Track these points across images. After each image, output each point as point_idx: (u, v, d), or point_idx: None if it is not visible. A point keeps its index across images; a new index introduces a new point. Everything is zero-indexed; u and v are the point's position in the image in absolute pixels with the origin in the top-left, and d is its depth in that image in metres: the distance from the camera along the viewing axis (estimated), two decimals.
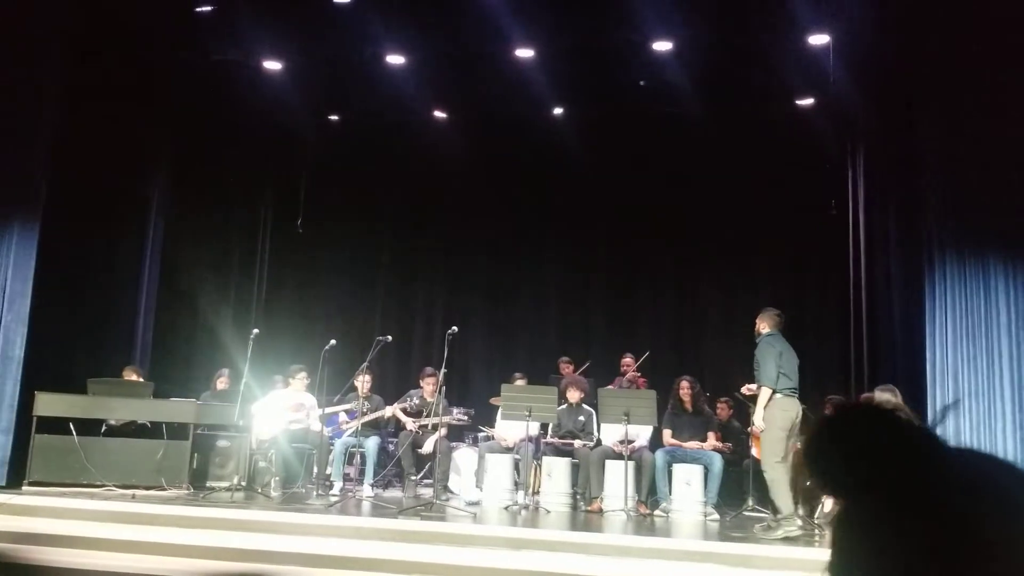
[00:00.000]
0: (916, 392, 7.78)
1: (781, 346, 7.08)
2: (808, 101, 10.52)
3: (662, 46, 9.35)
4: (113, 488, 7.90)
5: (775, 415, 6.86)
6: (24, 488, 7.74)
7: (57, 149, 8.39)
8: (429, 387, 9.16)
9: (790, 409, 6.91)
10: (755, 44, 9.40)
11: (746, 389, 7.62)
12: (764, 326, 7.31)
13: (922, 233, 7.76)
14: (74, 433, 8.10)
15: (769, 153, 11.45)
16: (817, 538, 6.67)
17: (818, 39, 9.09)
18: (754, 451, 8.98)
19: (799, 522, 6.74)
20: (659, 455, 8.43)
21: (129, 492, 7.77)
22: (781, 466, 6.83)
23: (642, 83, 10.59)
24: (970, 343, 7.21)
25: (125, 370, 9.24)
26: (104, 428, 8.71)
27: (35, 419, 7.98)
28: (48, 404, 8.09)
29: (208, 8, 9.23)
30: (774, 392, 6.92)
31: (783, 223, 11.77)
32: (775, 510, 6.94)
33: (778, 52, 9.48)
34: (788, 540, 6.50)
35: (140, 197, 10.09)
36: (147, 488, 8.00)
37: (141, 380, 9.19)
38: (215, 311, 11.51)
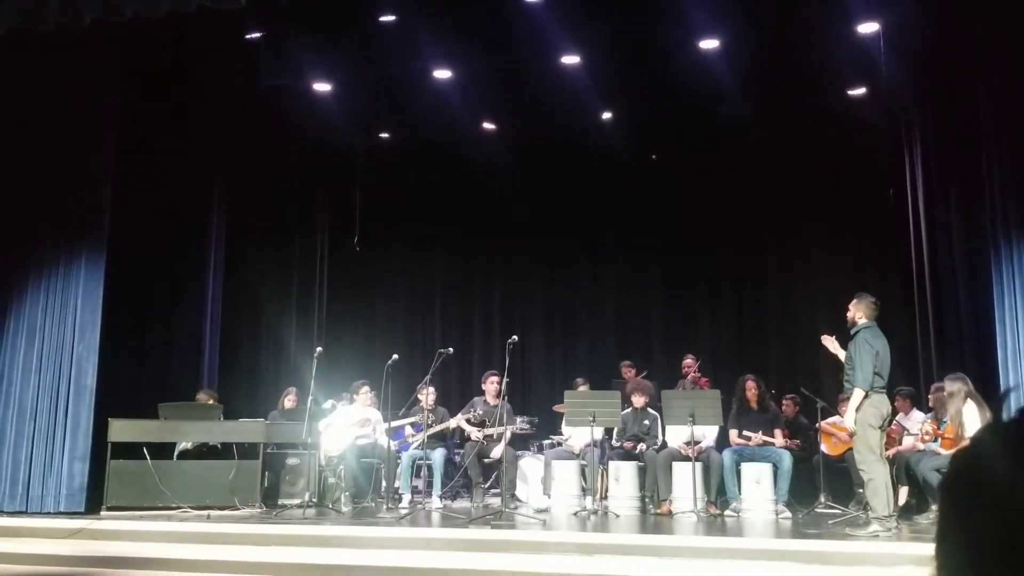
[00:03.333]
0: (987, 380, 7.61)
1: (878, 344, 6.76)
2: (860, 90, 10.37)
3: (709, 44, 9.29)
4: (188, 509, 8.04)
5: (867, 413, 6.63)
6: (103, 513, 7.91)
7: (119, 181, 8.60)
8: (492, 388, 9.14)
9: (881, 405, 6.70)
10: (803, 36, 9.29)
11: (826, 340, 7.33)
12: (860, 315, 6.93)
13: (986, 216, 7.59)
14: (148, 457, 8.26)
15: (823, 145, 11.33)
16: (895, 535, 6.51)
17: (867, 27, 8.97)
18: (823, 447, 8.86)
19: (893, 524, 6.52)
20: (727, 455, 8.34)
21: (204, 512, 7.90)
22: (879, 464, 6.63)
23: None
24: None
25: (199, 395, 9.43)
26: (177, 451, 8.90)
27: (110, 445, 8.15)
28: (122, 430, 8.26)
29: (258, 35, 9.42)
30: (867, 393, 6.71)
31: (841, 214, 11.62)
32: (868, 507, 6.78)
33: (827, 43, 9.37)
34: (873, 539, 6.32)
35: (200, 222, 10.28)
36: (221, 508, 8.13)
37: (213, 403, 9.35)
38: (279, 331, 11.69)
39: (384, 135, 12.29)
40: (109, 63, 8.64)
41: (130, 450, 8.28)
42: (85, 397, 8.16)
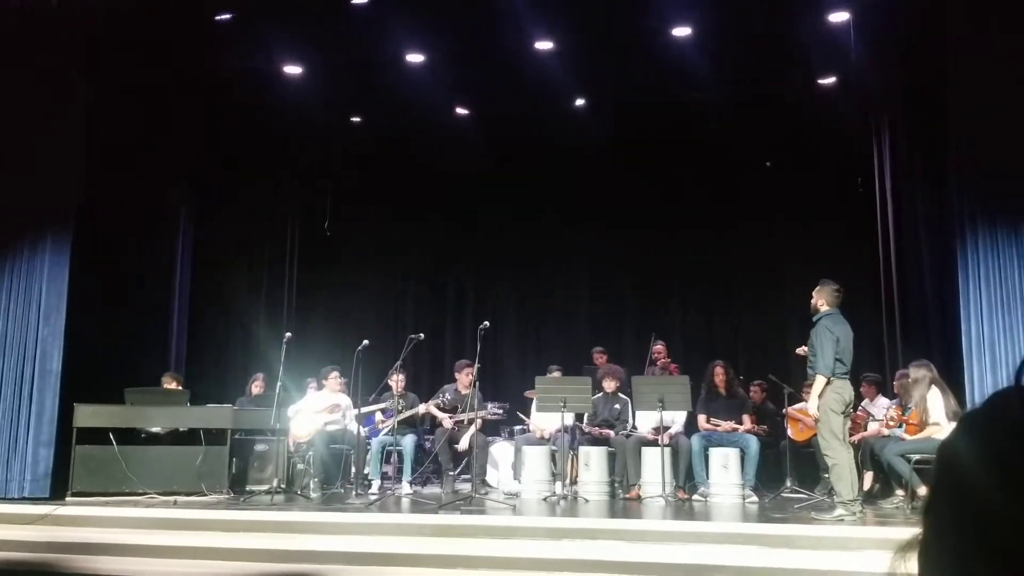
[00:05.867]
0: (952, 366, 7.71)
1: (839, 330, 6.83)
2: (831, 79, 10.42)
3: (682, 31, 9.29)
4: (155, 495, 7.98)
5: (830, 399, 6.72)
6: (68, 499, 7.82)
7: (87, 163, 8.48)
8: (466, 378, 9.15)
9: (844, 391, 6.78)
10: (774, 24, 9.31)
11: (800, 350, 7.45)
12: (822, 303, 7.01)
13: (951, 204, 7.68)
14: (114, 443, 8.19)
15: (793, 133, 11.37)
16: (860, 519, 6.58)
17: (838, 16, 9.00)
18: (790, 432, 8.96)
19: (858, 508, 6.60)
20: (695, 440, 8.41)
21: (171, 498, 7.85)
22: (843, 449, 6.71)
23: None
24: (1006, 313, 7.11)
25: (164, 377, 9.34)
26: (143, 436, 8.82)
27: (75, 431, 8.07)
28: (88, 415, 8.17)
29: (227, 16, 9.31)
30: (829, 379, 6.78)
31: (810, 202, 11.70)
32: (833, 492, 6.86)
33: (798, 31, 9.39)
34: (838, 523, 6.40)
35: (169, 206, 10.19)
36: (188, 494, 8.07)
37: (179, 387, 9.28)
38: (247, 316, 11.61)
39: (356, 119, 12.19)
40: (77, 46, 8.52)
41: (96, 436, 8.20)
42: (50, 382, 8.07)
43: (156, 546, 6.28)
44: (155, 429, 8.85)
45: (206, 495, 8.13)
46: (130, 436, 8.55)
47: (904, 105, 9.37)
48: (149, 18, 8.86)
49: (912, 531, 0.71)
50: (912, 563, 0.69)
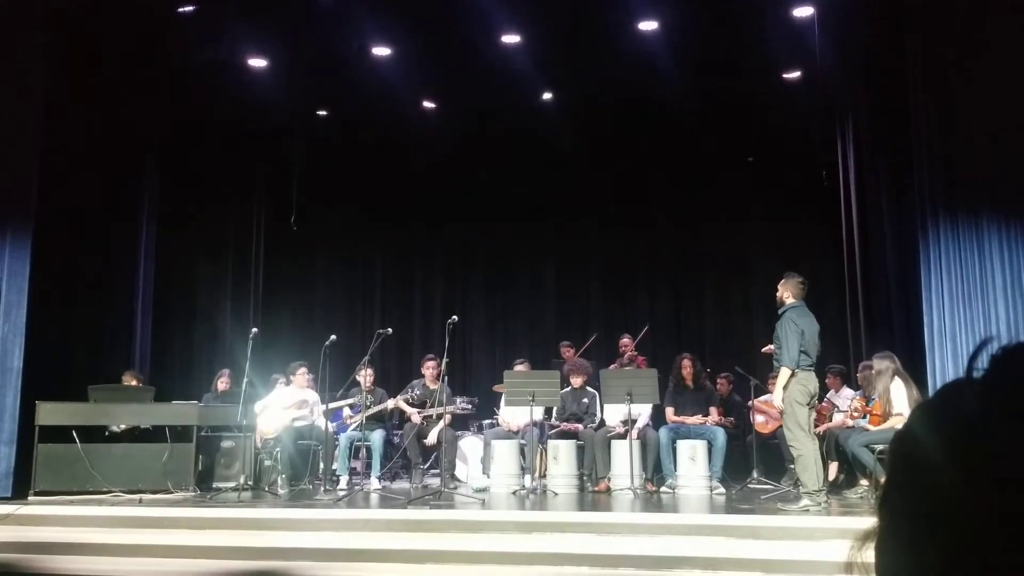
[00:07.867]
0: (915, 358, 7.81)
1: (804, 322, 6.86)
2: (795, 74, 10.49)
3: (648, 25, 9.31)
4: (119, 493, 7.88)
5: (794, 391, 6.76)
6: (30, 498, 7.72)
7: (46, 156, 8.35)
8: (430, 372, 9.15)
9: (809, 382, 6.82)
10: (740, 19, 9.36)
11: (766, 350, 7.52)
12: (787, 295, 7.03)
13: (914, 197, 7.77)
14: (77, 441, 8.08)
15: (759, 127, 11.45)
16: (825, 509, 6.65)
17: (802, 11, 9.07)
18: (756, 424, 9.03)
19: (823, 498, 6.67)
20: (663, 432, 8.45)
21: (136, 496, 7.76)
22: (808, 440, 6.77)
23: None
24: (967, 305, 7.22)
25: (124, 375, 9.22)
26: (107, 434, 8.71)
27: (37, 429, 7.96)
28: (50, 413, 8.06)
29: (191, 8, 9.20)
30: (793, 371, 6.82)
31: (775, 196, 11.79)
32: (799, 483, 6.92)
33: (763, 26, 9.45)
34: (804, 513, 6.46)
35: (132, 201, 10.06)
36: (153, 492, 7.99)
37: (140, 384, 9.17)
38: (213, 312, 11.50)
39: (322, 112, 12.10)
40: (38, 35, 8.38)
41: (59, 434, 8.09)
42: (11, 379, 7.95)
43: (122, 545, 6.21)
44: (117, 428, 8.75)
45: (172, 493, 8.05)
46: (94, 434, 8.44)
47: (868, 99, 9.46)
48: (112, 10, 8.74)
49: (873, 521, 0.72)
50: (869, 553, 0.69)
